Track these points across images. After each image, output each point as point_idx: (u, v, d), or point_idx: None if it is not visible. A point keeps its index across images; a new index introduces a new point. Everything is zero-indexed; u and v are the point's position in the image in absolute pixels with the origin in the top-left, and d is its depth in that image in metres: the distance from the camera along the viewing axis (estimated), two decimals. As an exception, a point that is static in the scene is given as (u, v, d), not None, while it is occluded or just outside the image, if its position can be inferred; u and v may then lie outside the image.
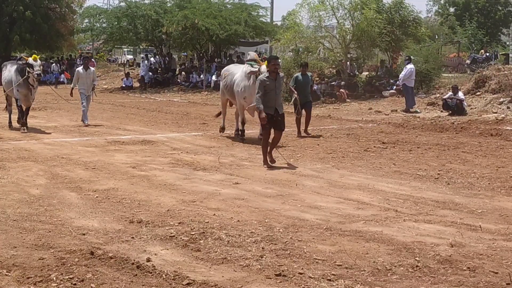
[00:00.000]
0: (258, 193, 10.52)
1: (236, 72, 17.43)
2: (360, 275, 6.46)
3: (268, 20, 47.09)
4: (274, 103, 13.14)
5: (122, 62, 62.73)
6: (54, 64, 49.74)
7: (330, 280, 6.32)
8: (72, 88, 20.58)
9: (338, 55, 31.88)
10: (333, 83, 30.31)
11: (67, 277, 6.30)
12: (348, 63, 32.16)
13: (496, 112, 22.23)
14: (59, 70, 48.51)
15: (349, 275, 6.45)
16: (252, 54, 18.18)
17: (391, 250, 7.31)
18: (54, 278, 6.27)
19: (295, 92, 17.43)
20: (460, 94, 23.60)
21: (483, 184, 11.36)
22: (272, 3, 58.92)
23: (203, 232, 7.92)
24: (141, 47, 51.66)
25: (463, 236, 7.93)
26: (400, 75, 26.41)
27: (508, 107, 22.58)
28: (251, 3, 42.29)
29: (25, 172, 12.00)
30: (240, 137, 17.13)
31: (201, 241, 7.58)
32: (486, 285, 6.21)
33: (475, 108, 23.66)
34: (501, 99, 23.45)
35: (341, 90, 28.96)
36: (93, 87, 20.53)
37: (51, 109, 24.70)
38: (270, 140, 13.41)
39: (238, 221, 8.59)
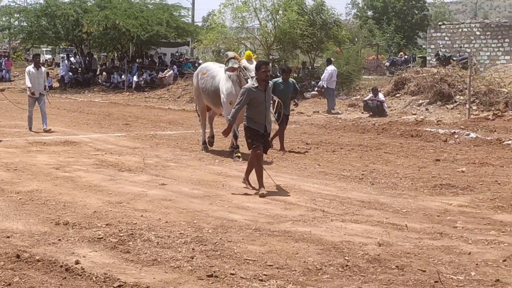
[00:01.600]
0: (185, 194, 10.47)
1: (218, 72, 15.05)
2: (291, 275, 6.48)
3: (190, 20, 47.01)
4: (264, 118, 10.92)
5: (41, 61, 61.51)
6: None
7: (262, 280, 6.31)
8: (30, 87, 18.99)
9: (260, 56, 32.00)
10: (256, 84, 30.36)
11: (-7, 281, 6.13)
12: (270, 64, 32.27)
13: (415, 114, 22.69)
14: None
15: (281, 275, 6.46)
16: (230, 54, 15.26)
17: (321, 249, 7.36)
18: (-20, 283, 6.09)
19: (275, 98, 14.27)
20: (380, 96, 24.00)
21: (406, 184, 11.58)
22: (193, 3, 59.15)
23: (132, 234, 7.82)
24: (60, 46, 50.73)
25: (390, 235, 8.05)
26: (322, 77, 26.73)
27: (427, 109, 23.09)
28: (172, 3, 42.04)
29: None
30: (235, 154, 14.30)
31: (130, 243, 7.48)
32: (415, 283, 6.30)
33: (395, 109, 24.10)
34: (420, 101, 23.94)
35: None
36: (45, 87, 19.16)
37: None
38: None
39: (167, 222, 8.51)
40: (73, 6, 39.49)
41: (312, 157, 14.53)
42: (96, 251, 7.17)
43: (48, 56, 62.93)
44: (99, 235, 7.75)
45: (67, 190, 10.47)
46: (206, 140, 15.59)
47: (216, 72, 15.09)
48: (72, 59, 43.68)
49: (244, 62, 13.84)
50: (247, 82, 12.98)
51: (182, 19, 42.00)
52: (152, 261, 6.83)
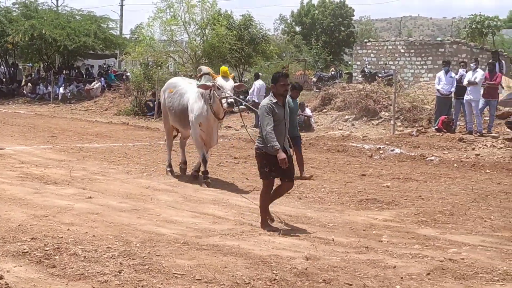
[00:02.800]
0: (113, 207, 10.36)
1: (187, 90, 13.56)
2: (220, 289, 6.48)
3: (118, 32, 46.65)
4: (283, 139, 9.31)
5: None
6: None
7: (190, 294, 6.31)
8: None
9: (188, 69, 31.99)
10: (184, 97, 30.27)
11: None
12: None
13: (341, 129, 22.96)
14: None
15: (209, 289, 6.46)
16: (204, 69, 13.58)
17: (249, 263, 7.36)
18: None
19: None
20: (308, 111, 24.18)
21: (333, 199, 11.72)
22: (121, 16, 58.82)
23: (58, 248, 7.66)
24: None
25: (317, 249, 8.12)
26: (250, 91, 26.82)
27: (353, 124, 23.39)
28: (100, 15, 41.62)
29: None
30: (204, 180, 12.91)
31: (56, 257, 7.33)
32: (341, 296, 6.40)
33: (322, 124, 24.31)
34: (346, 117, 24.25)
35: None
36: None
37: None
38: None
39: (94, 236, 8.40)
40: (-2, 16, 38.75)
41: (240, 171, 14.57)
42: (21, 266, 7.00)
43: None
44: (24, 249, 7.58)
45: (-10, 203, 10.24)
46: (171, 163, 14.36)
47: (185, 89, 13.63)
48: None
49: (219, 80, 12.43)
50: (221, 103, 12.33)
51: (110, 31, 41.62)
52: (79, 276, 6.72)
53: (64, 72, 39.96)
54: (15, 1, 41.14)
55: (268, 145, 9.02)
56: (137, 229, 8.93)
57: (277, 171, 9.20)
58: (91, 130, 23.63)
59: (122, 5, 61.66)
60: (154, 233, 8.72)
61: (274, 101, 9.26)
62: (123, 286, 6.44)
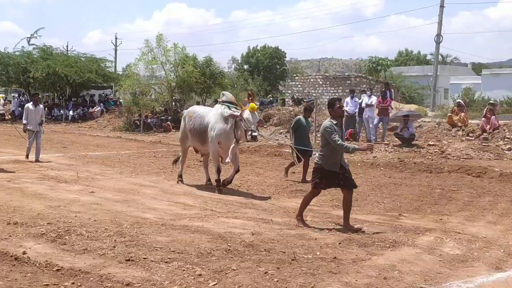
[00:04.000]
0: (109, 199, 10.18)
1: (206, 114, 11.97)
2: (189, 258, 6.40)
3: (113, 69, 46.07)
4: (340, 157, 8.12)
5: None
6: None
7: (167, 262, 6.21)
8: (25, 125, 15.94)
9: (165, 97, 31.84)
10: (162, 117, 30.05)
11: (-44, 269, 5.74)
12: (173, 103, 32.12)
13: (277, 139, 22.99)
14: None
15: (181, 258, 6.37)
16: (228, 95, 11.99)
17: (210, 238, 7.31)
18: None
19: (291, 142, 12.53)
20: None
21: (271, 190, 11.72)
22: (115, 57, 58.09)
23: (68, 230, 7.51)
24: (12, 88, 48.34)
25: (260, 227, 8.11)
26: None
27: (286, 136, 23.44)
28: (100, 57, 41.04)
29: None
30: (217, 188, 11.44)
31: (66, 237, 7.18)
32: (278, 261, 6.36)
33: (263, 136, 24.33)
34: (281, 130, 24.35)
35: (167, 122, 28.82)
36: (41, 122, 16.04)
37: None
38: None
39: (95, 220, 8.24)
40: (22, 57, 37.90)
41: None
42: (39, 244, 6.84)
43: (2, 95, 59.77)
44: (42, 231, 7.41)
45: (16, 198, 9.95)
46: (182, 174, 12.72)
47: (205, 113, 11.99)
48: (21, 97, 41.77)
49: (246, 114, 10.87)
50: (244, 134, 10.93)
51: (107, 69, 41.04)
52: (83, 250, 6.59)
53: (72, 99, 39.25)
54: (35, 46, 40.32)
55: (350, 150, 8.01)
56: (127, 214, 8.79)
57: (326, 184, 8.24)
58: (93, 142, 23.24)
59: (116, 50, 61.35)
60: (140, 217, 8.59)
61: (335, 122, 8.11)
62: (116, 257, 6.33)
